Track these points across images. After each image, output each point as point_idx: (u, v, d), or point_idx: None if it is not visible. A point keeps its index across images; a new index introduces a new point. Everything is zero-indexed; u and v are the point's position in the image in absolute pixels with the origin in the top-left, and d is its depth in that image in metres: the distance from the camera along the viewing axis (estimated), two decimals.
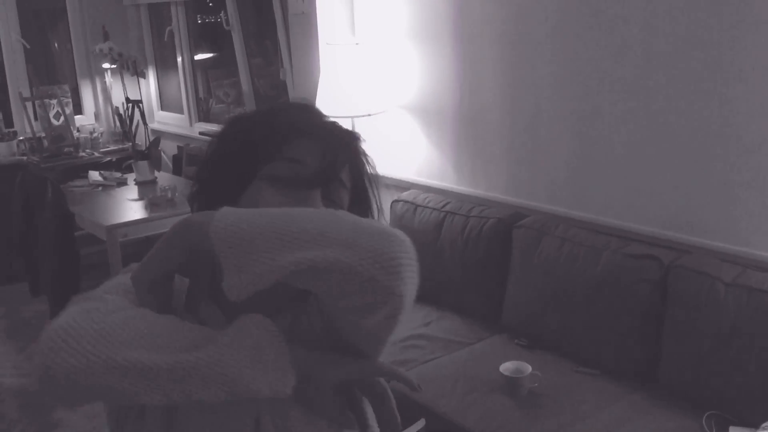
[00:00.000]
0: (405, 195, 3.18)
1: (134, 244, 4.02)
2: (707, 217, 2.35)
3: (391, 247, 0.71)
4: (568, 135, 2.72)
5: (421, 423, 1.99)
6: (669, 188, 2.44)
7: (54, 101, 4.98)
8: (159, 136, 4.84)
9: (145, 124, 5.19)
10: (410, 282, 0.72)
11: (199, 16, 5.21)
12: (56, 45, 5.62)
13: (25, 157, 4.73)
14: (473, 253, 2.81)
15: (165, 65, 5.53)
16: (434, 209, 3.01)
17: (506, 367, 2.31)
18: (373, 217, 0.94)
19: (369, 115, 3.18)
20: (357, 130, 3.29)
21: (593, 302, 2.40)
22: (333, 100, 3.16)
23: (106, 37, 5.14)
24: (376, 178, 0.94)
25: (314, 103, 0.88)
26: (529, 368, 2.29)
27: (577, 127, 2.67)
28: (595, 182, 2.66)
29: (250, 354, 0.73)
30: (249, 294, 0.71)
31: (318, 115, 0.91)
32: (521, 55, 2.81)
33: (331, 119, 0.92)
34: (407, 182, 3.30)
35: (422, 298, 2.93)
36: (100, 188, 4.17)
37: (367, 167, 0.92)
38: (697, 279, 2.17)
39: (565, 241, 2.54)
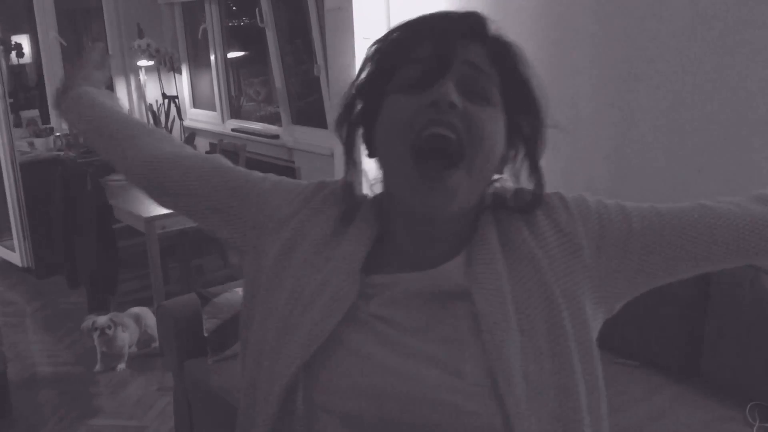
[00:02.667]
0: None
1: (172, 236, 4.08)
2: None
3: None
4: (606, 133, 2.71)
5: None
6: (710, 184, 2.43)
7: None
8: (194, 132, 4.90)
9: (180, 119, 5.26)
10: None
11: (231, 19, 5.28)
12: (91, 43, 5.72)
13: (62, 153, 4.82)
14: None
15: (197, 63, 5.61)
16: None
17: None
18: (537, 109, 0.89)
19: None
20: None
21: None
22: None
23: (140, 35, 5.23)
24: (527, 65, 0.88)
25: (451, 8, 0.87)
26: None
27: (615, 125, 2.67)
28: (634, 179, 2.65)
29: None
30: None
31: (445, 14, 0.87)
32: (558, 52, 2.81)
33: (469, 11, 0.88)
34: None
35: None
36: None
37: (521, 57, 0.88)
38: (741, 270, 2.15)
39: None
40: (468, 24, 0.85)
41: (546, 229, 0.88)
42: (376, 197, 0.92)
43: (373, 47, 0.89)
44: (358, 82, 0.89)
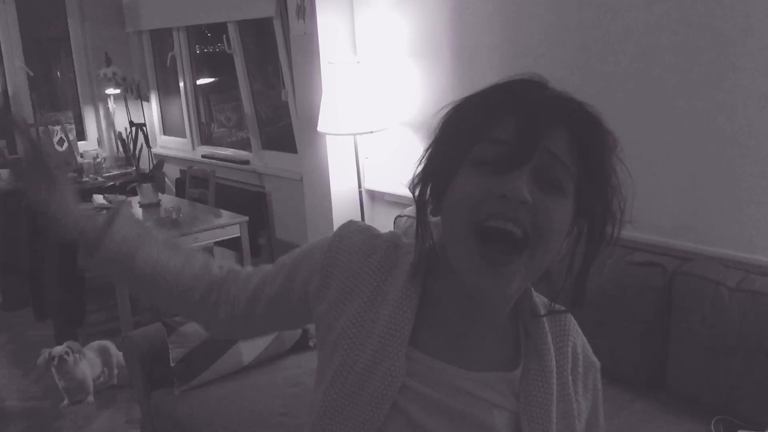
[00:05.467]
0: (408, 210, 3.20)
1: None
2: (710, 224, 2.37)
3: None
4: None
5: None
6: (670, 196, 2.46)
7: (57, 127, 5.03)
8: (162, 159, 4.88)
9: (148, 147, 5.23)
10: None
11: (198, 46, 5.29)
12: (59, 73, 5.69)
13: None
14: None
15: (167, 90, 5.60)
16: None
17: None
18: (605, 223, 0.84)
19: (371, 132, 3.22)
20: (359, 147, 3.35)
21: (598, 311, 2.41)
22: (335, 118, 3.20)
23: (108, 63, 5.21)
24: (612, 156, 0.82)
25: (540, 77, 0.85)
26: None
27: None
28: None
29: None
30: None
31: (534, 90, 0.83)
32: (520, 68, 2.85)
33: (559, 91, 0.83)
34: (410, 198, 3.31)
35: None
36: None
37: (606, 147, 0.82)
38: (701, 285, 2.18)
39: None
40: (560, 111, 0.81)
41: (580, 388, 0.93)
42: (422, 253, 0.89)
43: (454, 111, 0.85)
44: (436, 142, 0.87)
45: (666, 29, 2.36)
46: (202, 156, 5.08)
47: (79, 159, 5.08)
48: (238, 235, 3.91)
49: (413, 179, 0.88)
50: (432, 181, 0.86)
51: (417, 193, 0.88)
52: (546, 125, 0.78)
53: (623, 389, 2.31)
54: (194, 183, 4.69)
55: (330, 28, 3.40)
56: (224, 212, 4.06)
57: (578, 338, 0.95)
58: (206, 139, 5.36)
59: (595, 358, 0.97)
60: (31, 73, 5.18)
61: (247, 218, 3.94)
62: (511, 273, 0.80)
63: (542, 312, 0.91)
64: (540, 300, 0.94)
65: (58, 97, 5.64)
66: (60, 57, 5.64)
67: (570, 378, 0.91)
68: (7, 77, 5.11)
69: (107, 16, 5.38)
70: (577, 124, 0.81)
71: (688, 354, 2.19)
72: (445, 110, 0.86)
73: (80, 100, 5.45)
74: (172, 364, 2.54)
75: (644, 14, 2.41)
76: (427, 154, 0.87)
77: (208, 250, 4.23)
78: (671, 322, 2.25)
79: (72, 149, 5.04)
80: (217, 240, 3.97)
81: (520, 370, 0.88)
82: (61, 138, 5.02)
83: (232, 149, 5.05)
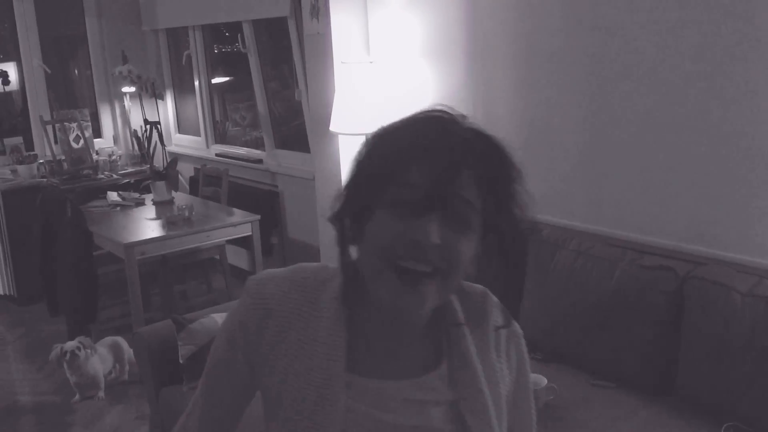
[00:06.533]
0: None
1: (152, 262, 4.06)
2: (722, 229, 2.35)
3: None
4: (581, 148, 2.73)
5: None
6: (682, 200, 2.44)
7: (74, 125, 5.07)
8: (176, 157, 4.90)
9: (162, 145, 5.27)
10: None
11: (215, 45, 5.31)
12: (76, 70, 5.74)
13: (44, 179, 4.81)
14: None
15: (182, 89, 5.63)
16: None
17: None
18: (512, 258, 0.90)
19: None
20: None
21: (609, 314, 2.40)
22: (347, 118, 3.20)
23: (125, 62, 5.25)
24: (516, 184, 0.86)
25: (452, 110, 0.87)
26: (544, 381, 2.28)
27: (590, 141, 2.69)
28: (609, 195, 2.66)
29: None
30: None
31: (444, 129, 0.85)
32: (533, 70, 2.84)
33: (471, 126, 0.86)
34: None
35: None
36: (119, 208, 4.23)
37: (511, 178, 0.86)
38: (713, 289, 2.16)
39: (579, 255, 2.54)
40: (469, 153, 0.84)
41: (503, 359, 0.98)
42: (347, 282, 0.93)
43: (368, 151, 0.88)
44: (352, 183, 0.89)
45: (685, 31, 2.34)
46: (216, 154, 5.10)
47: (94, 156, 5.12)
48: (250, 233, 3.92)
49: (332, 216, 0.91)
50: (351, 217, 0.89)
51: (338, 226, 0.91)
52: (456, 170, 0.82)
53: (632, 393, 2.30)
54: (207, 181, 4.71)
55: (343, 27, 3.40)
56: (237, 211, 4.08)
57: (500, 316, 1.00)
58: (220, 137, 5.38)
59: (517, 327, 1.01)
60: (49, 71, 5.23)
61: (259, 217, 3.95)
62: (427, 293, 0.85)
63: (463, 319, 0.96)
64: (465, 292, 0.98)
65: (74, 94, 5.68)
66: (77, 55, 5.68)
67: (494, 353, 0.96)
68: (25, 75, 5.16)
69: (124, 14, 5.42)
70: (485, 163, 0.85)
71: (698, 359, 2.17)
72: (361, 147, 0.89)
73: (96, 97, 5.49)
74: (181, 362, 2.55)
75: (656, 27, 2.39)
76: (345, 193, 0.90)
77: (220, 248, 4.25)
78: (682, 326, 2.23)
79: (88, 146, 5.08)
80: (229, 238, 3.99)
81: (446, 364, 0.94)
82: (77, 135, 5.06)
83: (245, 148, 5.07)
